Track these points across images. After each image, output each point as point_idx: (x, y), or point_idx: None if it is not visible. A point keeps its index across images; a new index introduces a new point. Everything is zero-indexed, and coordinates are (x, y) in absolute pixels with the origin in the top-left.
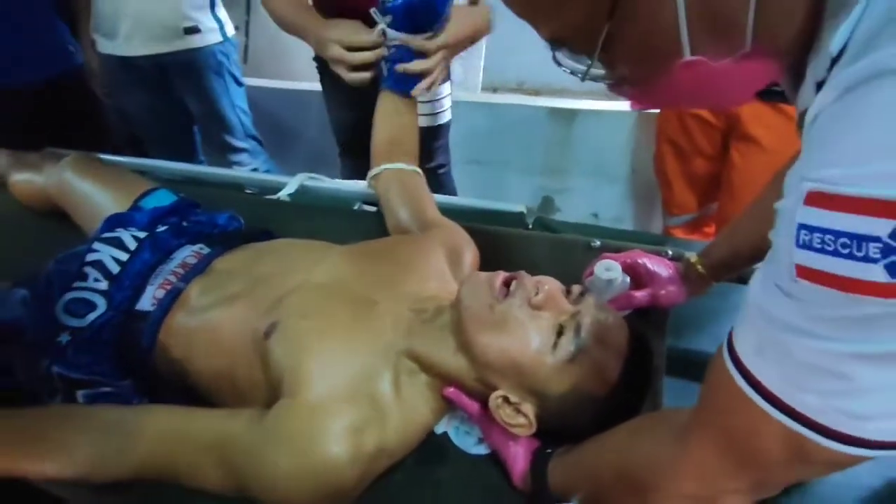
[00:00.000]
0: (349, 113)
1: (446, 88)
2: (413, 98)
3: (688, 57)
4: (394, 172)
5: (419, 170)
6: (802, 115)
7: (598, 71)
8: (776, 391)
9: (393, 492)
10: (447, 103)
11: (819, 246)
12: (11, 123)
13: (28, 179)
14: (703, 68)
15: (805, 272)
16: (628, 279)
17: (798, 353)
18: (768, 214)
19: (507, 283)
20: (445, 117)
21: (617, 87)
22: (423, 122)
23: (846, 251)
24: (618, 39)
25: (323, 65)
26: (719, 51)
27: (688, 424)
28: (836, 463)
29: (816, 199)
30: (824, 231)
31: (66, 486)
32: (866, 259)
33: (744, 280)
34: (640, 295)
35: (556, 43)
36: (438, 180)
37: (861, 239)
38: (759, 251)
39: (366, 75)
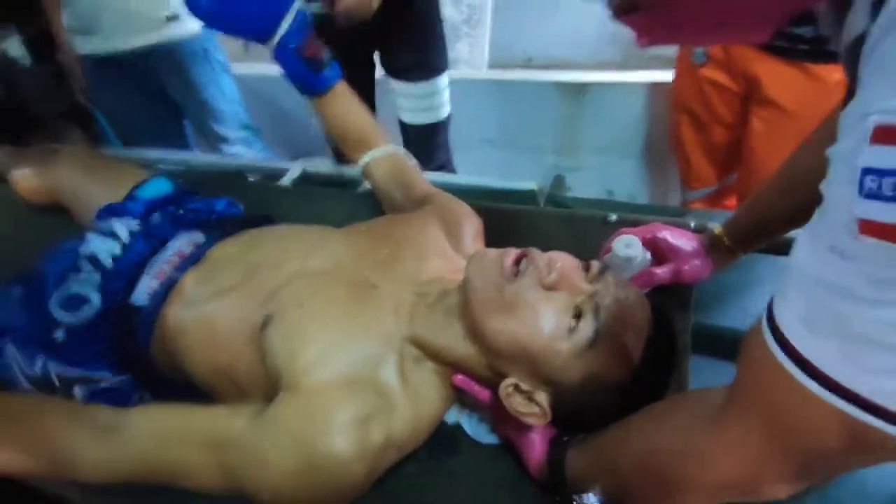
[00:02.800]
0: None
1: (444, 80)
2: (337, 86)
3: None
4: (376, 161)
5: (397, 147)
6: (853, 45)
7: None
8: (831, 372)
9: (405, 484)
10: (446, 96)
11: (890, 193)
12: None
13: (28, 174)
14: None
15: (870, 227)
16: (649, 255)
17: (858, 325)
18: (797, 177)
19: (517, 262)
20: (444, 112)
21: (624, 13)
22: (420, 118)
23: None
24: None
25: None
26: None
27: (723, 406)
28: None
29: (886, 134)
30: None
31: (63, 485)
32: None
33: (772, 250)
34: (662, 271)
35: None
36: None
37: None
38: (790, 218)
39: None
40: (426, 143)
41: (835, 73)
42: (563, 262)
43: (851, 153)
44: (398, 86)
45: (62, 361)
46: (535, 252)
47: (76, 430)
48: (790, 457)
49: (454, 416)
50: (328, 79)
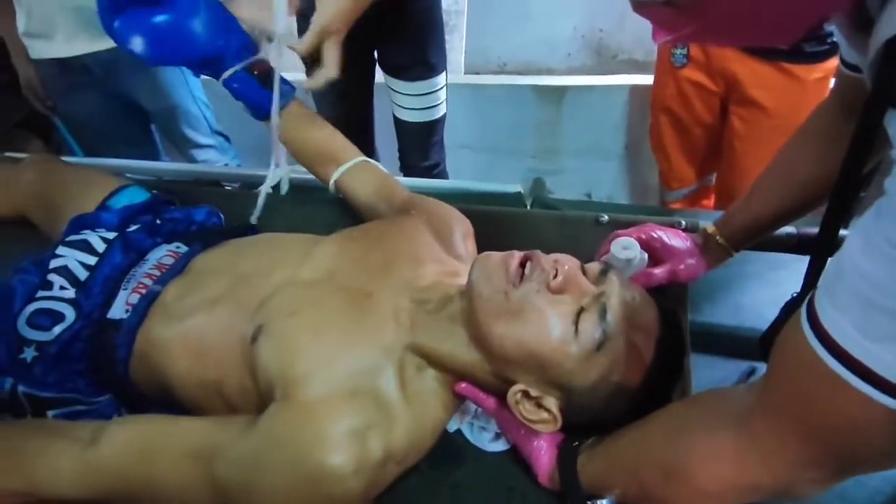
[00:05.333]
0: (338, 108)
1: (441, 79)
2: (292, 106)
3: None
4: (346, 175)
5: (366, 158)
6: (886, 47)
7: None
8: (890, 375)
9: (407, 498)
10: (442, 95)
11: None
12: None
13: None
14: None
15: None
16: (646, 256)
17: None
18: (788, 174)
19: (522, 265)
20: (440, 111)
21: (643, 6)
22: (416, 116)
23: None
24: None
25: (311, 59)
26: None
27: (752, 410)
28: None
29: None
30: None
31: None
32: None
33: (762, 247)
34: (660, 272)
35: None
36: None
37: None
38: (782, 215)
39: None
40: (422, 141)
41: (813, 73)
42: (570, 264)
43: None
44: (396, 84)
45: (33, 383)
46: (539, 255)
47: (54, 447)
48: (829, 459)
49: (455, 423)
50: (284, 96)
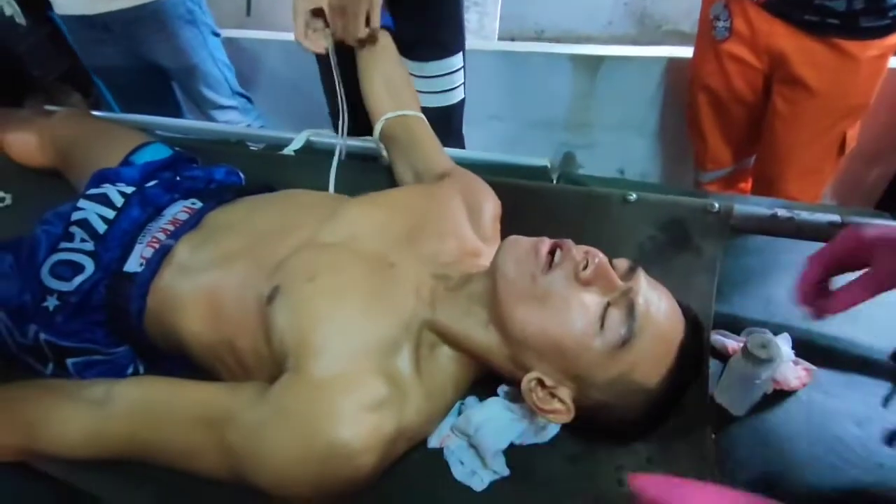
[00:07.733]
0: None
1: (457, 60)
2: (391, 31)
3: None
4: (397, 120)
5: (422, 115)
6: None
7: None
8: None
9: (410, 472)
10: (459, 78)
11: None
12: None
13: (20, 138)
14: None
15: None
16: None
17: None
18: None
19: (551, 252)
20: (458, 95)
21: None
22: (429, 101)
23: None
24: None
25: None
26: None
27: None
28: None
29: None
30: None
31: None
32: None
33: (795, 235)
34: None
35: None
36: None
37: None
38: None
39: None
40: (436, 129)
41: (869, 50)
42: (601, 257)
43: None
44: (406, 65)
45: (55, 331)
46: (570, 244)
47: (62, 407)
48: None
49: (436, 441)
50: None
